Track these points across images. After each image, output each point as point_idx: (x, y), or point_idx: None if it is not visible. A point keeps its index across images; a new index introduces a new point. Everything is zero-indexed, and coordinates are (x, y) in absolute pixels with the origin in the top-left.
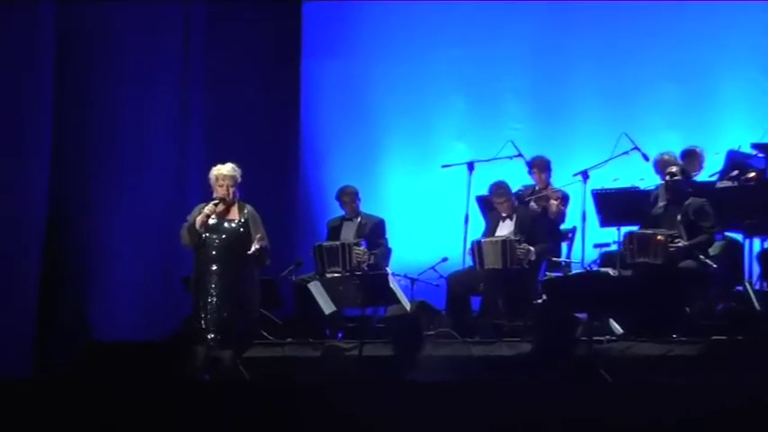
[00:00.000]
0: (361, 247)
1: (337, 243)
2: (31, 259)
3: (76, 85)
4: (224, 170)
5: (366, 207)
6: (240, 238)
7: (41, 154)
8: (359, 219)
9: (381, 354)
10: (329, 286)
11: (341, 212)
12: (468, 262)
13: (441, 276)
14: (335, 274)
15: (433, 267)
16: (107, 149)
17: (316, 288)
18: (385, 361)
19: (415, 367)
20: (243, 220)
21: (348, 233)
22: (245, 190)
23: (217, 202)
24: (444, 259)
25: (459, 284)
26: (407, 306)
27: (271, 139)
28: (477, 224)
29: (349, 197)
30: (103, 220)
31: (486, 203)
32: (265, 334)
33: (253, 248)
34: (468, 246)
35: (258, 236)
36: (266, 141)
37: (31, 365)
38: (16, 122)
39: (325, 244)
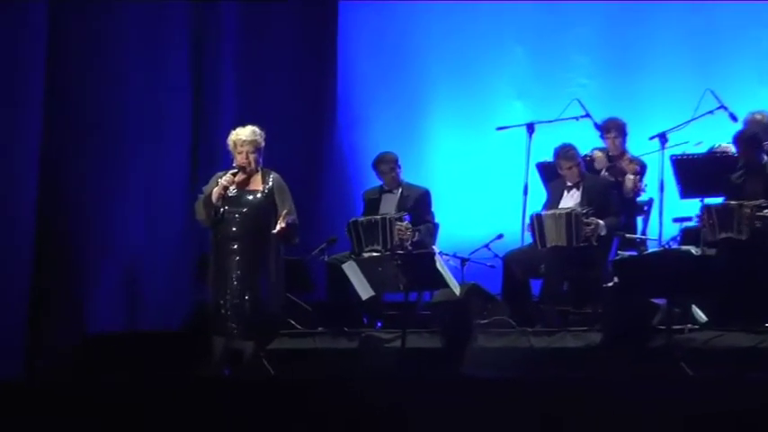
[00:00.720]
0: (404, 223)
1: (376, 217)
2: (22, 242)
3: (73, 60)
4: (242, 134)
5: (408, 176)
6: (263, 212)
7: (31, 138)
8: (400, 190)
9: (427, 345)
10: (367, 267)
11: (379, 182)
12: (528, 239)
13: (495, 256)
14: (374, 254)
15: (486, 245)
16: (107, 115)
17: (351, 270)
18: (431, 354)
19: (465, 361)
20: (267, 191)
21: (388, 206)
22: (272, 156)
23: (235, 171)
24: (500, 236)
25: (518, 265)
26: (457, 290)
27: (301, 97)
28: (538, 195)
29: (387, 166)
30: (102, 195)
31: (548, 171)
32: (293, 323)
33: (278, 227)
34: (528, 220)
35: (284, 211)
36: (296, 99)
37: (23, 364)
38: (4, 120)
39: (362, 219)
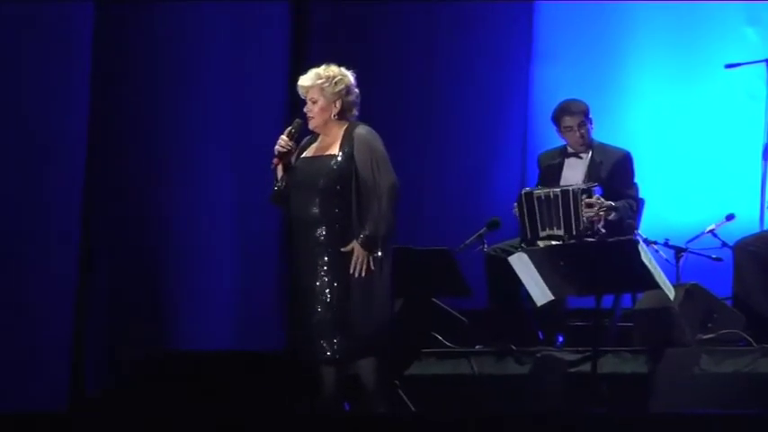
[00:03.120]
0: (595, 197)
1: (556, 190)
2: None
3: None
4: (301, 80)
5: (602, 135)
6: (347, 184)
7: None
8: (590, 153)
9: (627, 370)
10: (544, 261)
11: (560, 142)
12: None
13: (724, 245)
14: (554, 242)
15: (711, 231)
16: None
17: (521, 264)
18: (633, 381)
19: (681, 391)
20: (343, 155)
21: (573, 174)
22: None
23: (291, 128)
24: (730, 217)
25: (755, 258)
26: (671, 293)
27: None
28: None
29: (575, 119)
30: (178, 186)
31: None
32: (441, 338)
33: (350, 246)
34: None
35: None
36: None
37: (66, 394)
38: (50, 123)
39: (538, 191)
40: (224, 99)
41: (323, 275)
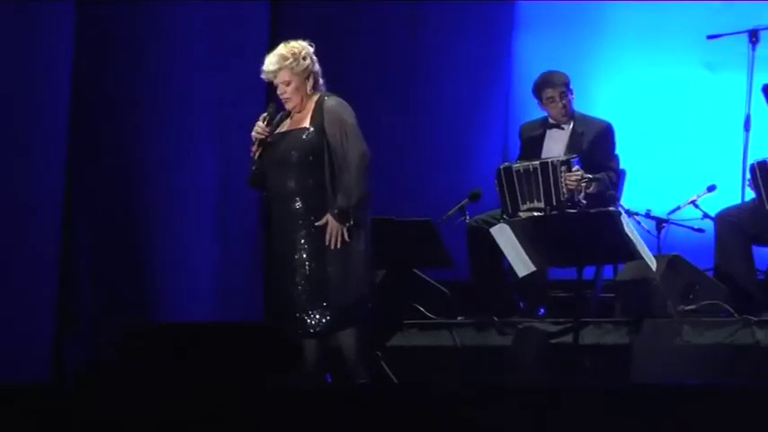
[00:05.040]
0: (576, 169)
1: (535, 163)
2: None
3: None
4: (266, 65)
5: (583, 106)
6: (314, 155)
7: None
8: (572, 124)
9: (609, 341)
10: (525, 232)
11: (541, 113)
12: (750, 193)
13: (706, 216)
14: (535, 213)
15: (692, 202)
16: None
17: (503, 236)
18: (615, 352)
19: (663, 362)
20: (314, 127)
21: (555, 146)
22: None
23: (266, 114)
24: (711, 188)
25: (735, 229)
26: (653, 264)
27: None
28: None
29: (557, 91)
30: (161, 163)
31: None
32: (422, 310)
33: (324, 219)
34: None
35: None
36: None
37: (49, 364)
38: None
39: (517, 165)
40: (206, 78)
41: (301, 249)
